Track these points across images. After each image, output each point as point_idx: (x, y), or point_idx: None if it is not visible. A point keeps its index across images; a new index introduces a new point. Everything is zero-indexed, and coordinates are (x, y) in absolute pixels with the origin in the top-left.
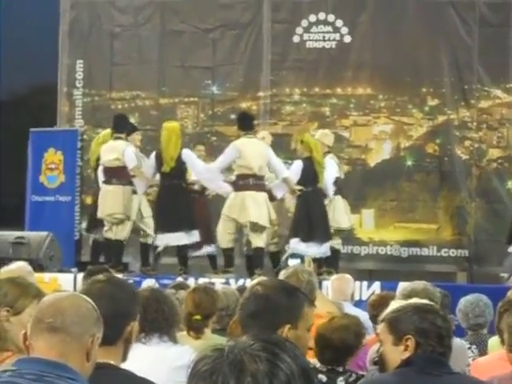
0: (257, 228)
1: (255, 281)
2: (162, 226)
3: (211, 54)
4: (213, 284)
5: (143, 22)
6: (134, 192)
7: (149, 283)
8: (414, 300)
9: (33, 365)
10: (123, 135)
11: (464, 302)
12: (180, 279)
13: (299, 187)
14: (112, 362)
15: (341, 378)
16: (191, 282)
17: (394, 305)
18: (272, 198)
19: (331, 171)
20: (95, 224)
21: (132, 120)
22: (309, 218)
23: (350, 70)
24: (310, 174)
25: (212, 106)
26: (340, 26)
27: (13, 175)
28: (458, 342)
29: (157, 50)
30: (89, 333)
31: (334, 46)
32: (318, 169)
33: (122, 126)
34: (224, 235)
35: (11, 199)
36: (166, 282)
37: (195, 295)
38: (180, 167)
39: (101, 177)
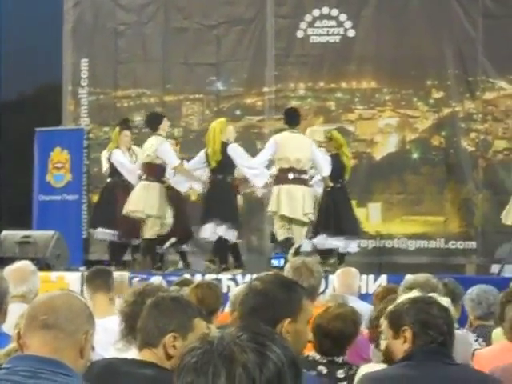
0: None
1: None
2: (207, 217)
3: (215, 50)
4: (219, 280)
5: (147, 20)
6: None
7: (156, 280)
8: (413, 293)
9: (27, 362)
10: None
11: (477, 290)
12: (186, 276)
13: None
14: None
15: (341, 371)
16: (198, 278)
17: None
18: None
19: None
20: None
21: (138, 118)
22: (337, 213)
23: (355, 63)
24: (338, 171)
25: (217, 103)
26: (344, 20)
27: (19, 175)
28: (460, 334)
29: (161, 48)
30: (82, 329)
31: (338, 41)
32: (347, 164)
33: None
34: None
35: (18, 199)
36: (173, 278)
37: (198, 291)
38: (225, 162)
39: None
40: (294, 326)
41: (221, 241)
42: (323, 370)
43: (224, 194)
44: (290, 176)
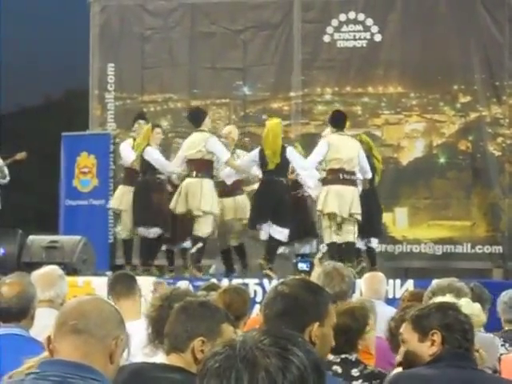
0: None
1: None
2: (259, 218)
3: (242, 55)
4: (246, 285)
5: (174, 25)
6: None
7: (183, 284)
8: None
9: (57, 367)
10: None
11: (510, 293)
12: (213, 281)
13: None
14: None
15: (355, 370)
16: (225, 283)
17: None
18: None
19: None
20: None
21: (164, 122)
22: (369, 216)
23: (381, 68)
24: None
25: (244, 107)
26: (370, 25)
27: (46, 180)
28: (488, 337)
29: (187, 52)
30: (112, 335)
31: (364, 45)
32: (377, 167)
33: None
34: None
35: (45, 204)
36: (199, 283)
37: (226, 296)
38: (283, 164)
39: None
40: (321, 329)
41: (273, 241)
42: (338, 369)
43: (280, 195)
44: (341, 176)
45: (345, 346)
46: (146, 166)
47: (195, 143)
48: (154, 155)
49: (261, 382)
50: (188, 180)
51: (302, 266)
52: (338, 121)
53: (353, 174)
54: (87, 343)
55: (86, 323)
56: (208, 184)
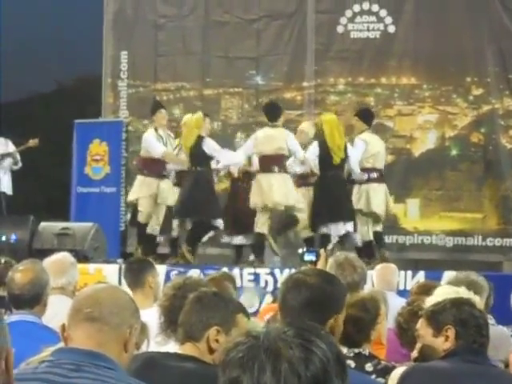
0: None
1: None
2: (324, 216)
3: (255, 44)
4: (257, 275)
5: (187, 13)
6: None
7: (194, 273)
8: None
9: (71, 355)
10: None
11: None
12: (224, 269)
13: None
14: None
15: (369, 364)
16: (236, 271)
17: (433, 299)
18: None
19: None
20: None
21: (176, 111)
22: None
23: (395, 59)
24: None
25: (256, 97)
26: (384, 16)
27: (58, 167)
28: (500, 330)
29: (201, 41)
30: (127, 323)
31: (378, 36)
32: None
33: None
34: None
35: (57, 191)
36: (210, 272)
37: (212, 284)
38: (344, 160)
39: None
40: (338, 322)
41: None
42: (351, 363)
43: (340, 190)
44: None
45: (357, 337)
46: (201, 158)
47: (275, 138)
48: (215, 146)
49: (284, 373)
50: (269, 175)
51: (309, 256)
52: (366, 117)
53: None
54: (101, 331)
55: (100, 311)
56: (289, 179)
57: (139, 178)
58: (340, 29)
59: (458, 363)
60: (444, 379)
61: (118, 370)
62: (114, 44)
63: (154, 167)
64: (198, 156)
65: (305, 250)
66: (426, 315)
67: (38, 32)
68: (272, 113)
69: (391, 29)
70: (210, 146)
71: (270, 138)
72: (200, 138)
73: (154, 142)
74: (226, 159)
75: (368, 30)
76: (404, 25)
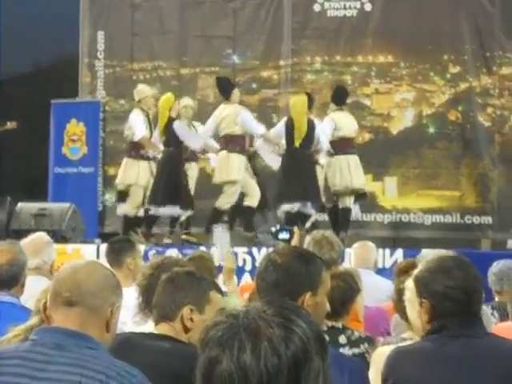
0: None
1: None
2: (288, 194)
3: (232, 23)
4: (236, 254)
5: None
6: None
7: (172, 253)
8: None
9: (53, 334)
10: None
11: (501, 265)
12: (202, 249)
13: None
14: None
15: (342, 336)
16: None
17: (423, 264)
18: None
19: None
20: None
21: (154, 90)
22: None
23: (371, 37)
24: None
25: (233, 76)
26: None
27: (35, 147)
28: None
29: (177, 20)
30: (108, 303)
31: (354, 14)
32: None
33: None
34: None
35: (34, 171)
36: (188, 251)
37: (191, 264)
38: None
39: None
40: (314, 299)
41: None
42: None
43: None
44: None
45: (340, 309)
46: (171, 139)
47: (230, 117)
48: (182, 130)
49: (263, 352)
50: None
51: (283, 235)
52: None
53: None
54: (81, 315)
55: (80, 294)
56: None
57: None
58: (317, 7)
59: (445, 341)
60: (430, 362)
61: (100, 350)
62: (90, 24)
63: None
64: (169, 137)
65: (278, 228)
66: (414, 281)
67: (15, 12)
68: (225, 89)
69: (368, 7)
70: (178, 130)
71: (228, 116)
72: (170, 120)
73: (137, 123)
74: (193, 144)
75: (345, 8)
76: (380, 3)
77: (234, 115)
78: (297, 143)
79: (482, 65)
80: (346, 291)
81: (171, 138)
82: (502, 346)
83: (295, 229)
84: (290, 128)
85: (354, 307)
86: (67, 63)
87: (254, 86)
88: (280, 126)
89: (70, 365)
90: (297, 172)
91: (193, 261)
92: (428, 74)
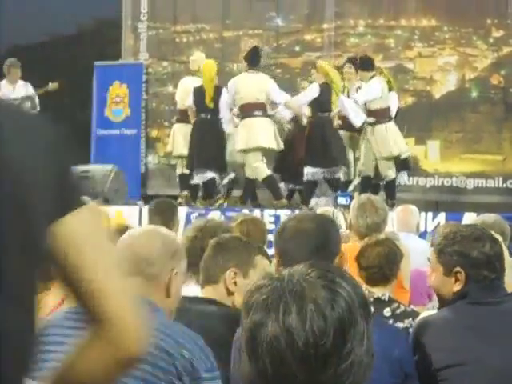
0: None
1: (293, 216)
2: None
3: None
4: (278, 217)
5: None
6: None
7: (215, 215)
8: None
9: None
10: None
11: None
12: (245, 211)
13: None
14: None
15: (387, 309)
16: (257, 213)
17: (444, 231)
18: None
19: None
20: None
21: (197, 53)
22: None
23: (415, 1)
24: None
25: (276, 38)
26: None
27: (78, 108)
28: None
29: None
30: (166, 269)
31: None
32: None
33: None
34: None
35: (77, 133)
36: (231, 214)
37: (243, 227)
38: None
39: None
40: (342, 263)
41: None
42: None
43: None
44: None
45: (389, 273)
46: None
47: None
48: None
49: (309, 314)
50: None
51: (342, 199)
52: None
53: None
54: (142, 285)
55: (136, 265)
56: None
57: None
58: None
59: (466, 310)
60: (455, 330)
61: (159, 315)
62: None
63: None
64: (216, 105)
65: (339, 193)
66: (436, 251)
67: None
68: (254, 57)
69: None
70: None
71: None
72: (216, 89)
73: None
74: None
75: None
76: None
77: (262, 83)
78: (334, 108)
79: None
80: (393, 255)
81: (217, 106)
82: None
83: (356, 194)
84: (326, 93)
85: (400, 272)
86: (110, 25)
87: (298, 48)
88: (311, 93)
89: None
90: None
91: (244, 223)
92: (471, 38)
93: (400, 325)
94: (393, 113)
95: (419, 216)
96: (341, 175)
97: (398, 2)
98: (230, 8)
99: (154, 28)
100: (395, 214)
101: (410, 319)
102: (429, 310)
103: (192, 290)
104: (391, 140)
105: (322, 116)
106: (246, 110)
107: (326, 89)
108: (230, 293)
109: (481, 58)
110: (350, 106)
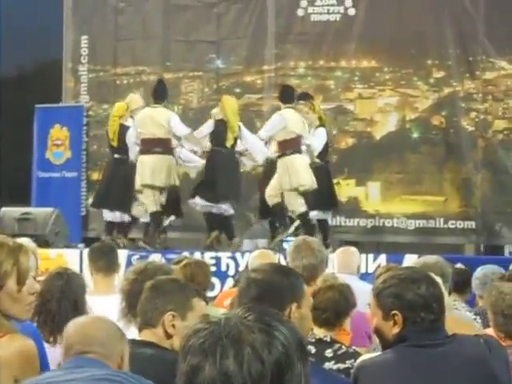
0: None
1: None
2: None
3: (215, 28)
4: (218, 259)
5: None
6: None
7: (155, 258)
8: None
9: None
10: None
11: (484, 270)
12: (185, 254)
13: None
14: None
15: (329, 350)
16: (198, 256)
17: (383, 274)
18: None
19: None
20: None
21: (138, 95)
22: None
23: (355, 42)
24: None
25: (217, 80)
26: None
27: (19, 151)
28: (464, 315)
29: (161, 25)
30: (117, 351)
31: (338, 19)
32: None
33: (162, 94)
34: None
35: (18, 175)
36: (171, 256)
37: (187, 270)
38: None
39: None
40: (299, 311)
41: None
42: (312, 349)
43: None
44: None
45: (334, 321)
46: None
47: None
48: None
49: (246, 358)
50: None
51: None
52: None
53: None
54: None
55: (89, 344)
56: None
57: None
58: (300, 12)
59: (406, 352)
60: (392, 374)
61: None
62: (74, 29)
63: None
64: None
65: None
66: (374, 295)
67: None
68: (162, 93)
69: (351, 11)
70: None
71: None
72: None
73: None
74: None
75: (328, 12)
76: (364, 7)
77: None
78: (228, 144)
79: (466, 69)
80: (342, 304)
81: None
82: (463, 352)
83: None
84: (221, 128)
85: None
86: (51, 68)
87: (238, 90)
88: (206, 128)
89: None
90: (228, 172)
91: (188, 266)
92: (411, 79)
93: (341, 366)
94: (317, 148)
95: (360, 257)
96: (231, 211)
97: (338, 44)
98: (170, 50)
99: (95, 70)
100: (335, 256)
101: (352, 360)
102: (370, 352)
103: (132, 333)
104: (293, 172)
105: (216, 149)
106: (145, 146)
107: (221, 125)
108: (168, 336)
109: (421, 99)
110: (252, 141)
